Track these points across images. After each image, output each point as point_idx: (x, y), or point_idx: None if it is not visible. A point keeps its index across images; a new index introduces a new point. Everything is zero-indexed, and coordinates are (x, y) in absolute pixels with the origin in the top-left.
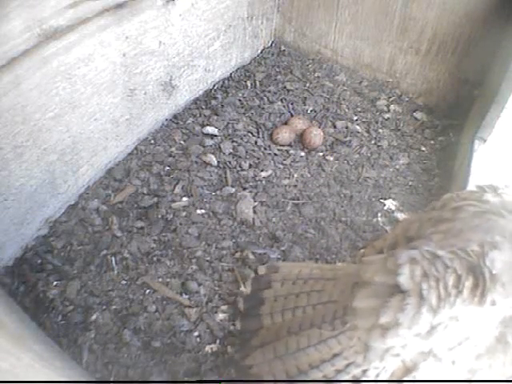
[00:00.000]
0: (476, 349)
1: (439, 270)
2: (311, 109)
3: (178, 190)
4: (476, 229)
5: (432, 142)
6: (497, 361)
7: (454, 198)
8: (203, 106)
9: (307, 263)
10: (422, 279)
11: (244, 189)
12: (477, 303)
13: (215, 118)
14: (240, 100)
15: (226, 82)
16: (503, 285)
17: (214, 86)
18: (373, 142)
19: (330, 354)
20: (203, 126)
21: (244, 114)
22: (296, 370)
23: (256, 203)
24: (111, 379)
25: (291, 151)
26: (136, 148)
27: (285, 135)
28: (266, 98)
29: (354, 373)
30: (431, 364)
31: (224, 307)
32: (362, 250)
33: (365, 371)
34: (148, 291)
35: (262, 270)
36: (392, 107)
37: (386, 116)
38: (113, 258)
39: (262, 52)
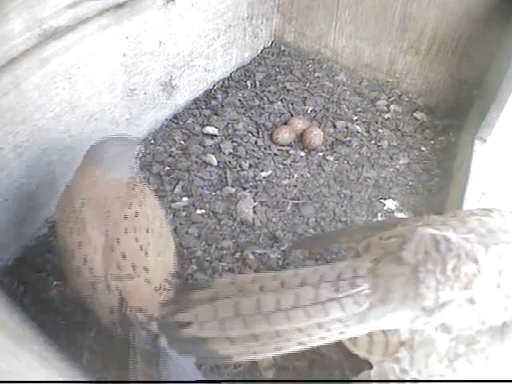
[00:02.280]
0: (481, 325)
1: (441, 251)
2: (311, 109)
3: (178, 189)
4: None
5: (432, 142)
6: (495, 341)
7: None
8: (203, 106)
9: None
10: (422, 259)
11: (244, 189)
12: (471, 288)
13: (215, 117)
14: (240, 100)
15: (226, 81)
16: (505, 275)
17: (214, 85)
18: (373, 141)
19: (325, 318)
20: (203, 126)
21: (244, 113)
22: (272, 334)
23: (256, 203)
24: (111, 379)
25: (291, 151)
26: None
27: (285, 135)
28: (266, 98)
29: (342, 337)
30: (438, 335)
31: None
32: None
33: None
34: None
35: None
36: (392, 107)
37: (386, 116)
38: None
39: (262, 52)
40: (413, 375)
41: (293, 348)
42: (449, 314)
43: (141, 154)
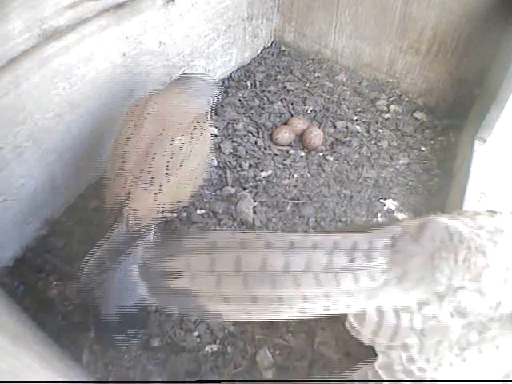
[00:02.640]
0: (493, 312)
1: (454, 242)
2: (311, 109)
3: None
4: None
5: (432, 142)
6: (505, 330)
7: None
8: None
9: None
10: (438, 246)
11: (244, 189)
12: (480, 280)
13: (215, 118)
14: (240, 100)
15: (226, 82)
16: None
17: None
18: (373, 142)
19: (335, 288)
20: None
21: (244, 113)
22: (275, 298)
23: (256, 203)
24: (111, 379)
25: (291, 151)
26: None
27: (285, 135)
28: (266, 98)
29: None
30: (453, 321)
31: None
32: None
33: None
34: None
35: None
36: (392, 107)
37: (386, 116)
38: None
39: (262, 52)
40: (420, 364)
41: (292, 315)
42: (462, 298)
43: (216, 98)
